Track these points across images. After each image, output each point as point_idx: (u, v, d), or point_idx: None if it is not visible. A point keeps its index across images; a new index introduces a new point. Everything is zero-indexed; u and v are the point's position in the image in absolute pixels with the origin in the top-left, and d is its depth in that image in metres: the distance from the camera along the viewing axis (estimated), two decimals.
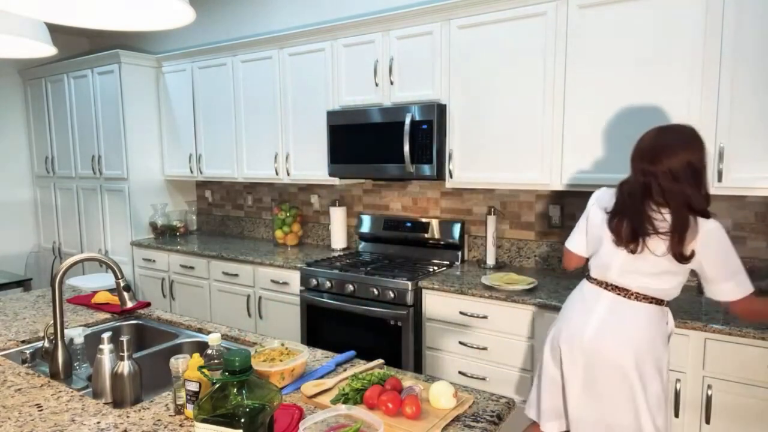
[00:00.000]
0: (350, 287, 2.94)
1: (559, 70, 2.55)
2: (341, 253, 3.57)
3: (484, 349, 2.57)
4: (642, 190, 1.71)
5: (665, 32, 2.30)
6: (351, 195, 3.77)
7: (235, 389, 1.01)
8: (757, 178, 2.17)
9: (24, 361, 1.77)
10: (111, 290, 2.36)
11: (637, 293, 1.75)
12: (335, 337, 3.03)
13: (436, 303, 2.71)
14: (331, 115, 3.25)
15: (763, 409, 1.97)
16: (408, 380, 1.46)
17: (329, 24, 3.29)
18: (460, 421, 1.27)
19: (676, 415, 2.13)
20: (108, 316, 2.20)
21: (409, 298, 2.73)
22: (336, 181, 3.41)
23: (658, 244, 1.69)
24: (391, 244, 3.47)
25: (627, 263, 1.75)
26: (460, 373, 2.65)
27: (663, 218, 1.68)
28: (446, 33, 2.86)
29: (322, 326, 3.09)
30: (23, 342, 1.91)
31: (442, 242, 3.26)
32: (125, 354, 1.44)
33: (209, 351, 1.38)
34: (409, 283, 2.73)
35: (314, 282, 3.09)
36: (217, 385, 1.02)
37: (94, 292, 2.45)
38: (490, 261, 3.04)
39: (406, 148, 2.89)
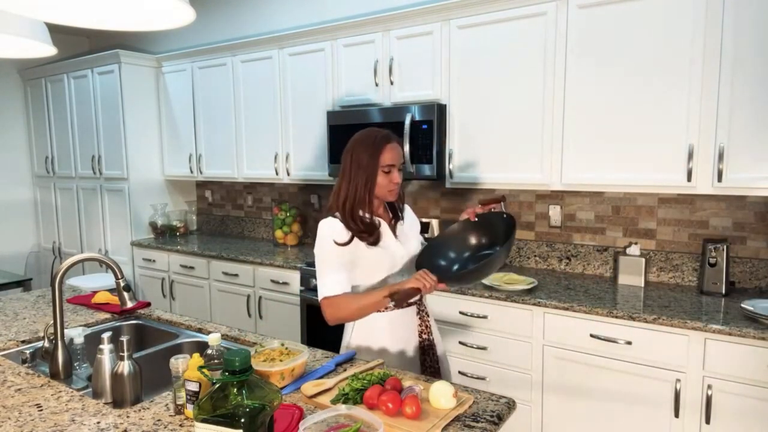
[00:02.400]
0: None
1: (559, 69, 2.55)
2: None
3: (484, 348, 2.57)
4: None
5: (665, 32, 2.30)
6: None
7: (235, 389, 1.01)
8: (757, 178, 2.17)
9: (24, 361, 1.77)
10: (111, 290, 2.36)
11: None
12: (335, 337, 3.03)
13: (436, 303, 2.71)
14: (331, 115, 3.24)
15: (763, 409, 1.97)
16: (408, 380, 1.46)
17: (329, 24, 3.29)
18: (460, 421, 1.27)
19: (676, 415, 2.13)
20: (108, 316, 2.20)
21: None
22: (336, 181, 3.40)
23: None
24: None
25: None
26: (460, 373, 2.65)
27: None
28: (446, 33, 2.86)
29: (323, 326, 3.09)
30: (23, 342, 1.91)
31: None
32: (125, 354, 1.44)
33: (209, 351, 1.38)
34: None
35: (314, 282, 3.09)
36: (217, 385, 1.02)
37: (94, 292, 2.45)
38: None
39: (406, 148, 2.89)
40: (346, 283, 1.68)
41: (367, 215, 1.72)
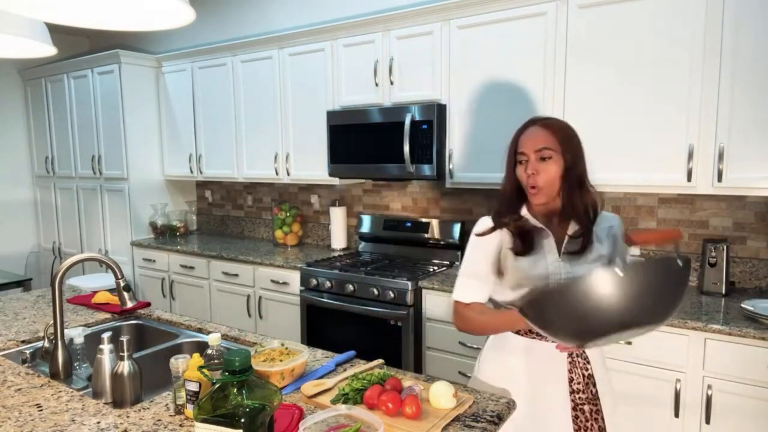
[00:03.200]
0: (350, 287, 2.94)
1: (559, 69, 2.55)
2: (341, 253, 3.57)
3: None
4: None
5: (665, 32, 2.30)
6: (351, 195, 3.77)
7: (235, 389, 1.01)
8: (757, 178, 2.16)
9: (24, 361, 1.77)
10: (111, 290, 2.35)
11: None
12: (335, 337, 3.03)
13: (437, 303, 2.71)
14: (331, 115, 3.24)
15: (763, 409, 1.97)
16: (408, 380, 1.46)
17: (329, 24, 3.29)
18: (460, 421, 1.27)
19: (676, 415, 2.13)
20: (108, 316, 2.20)
21: (409, 298, 2.73)
22: (336, 181, 3.41)
23: None
24: (391, 244, 3.47)
25: None
26: (460, 373, 2.65)
27: None
28: (446, 33, 2.86)
29: (322, 326, 3.09)
30: (23, 342, 1.91)
31: (442, 242, 3.25)
32: (125, 354, 1.44)
33: (209, 351, 1.38)
34: (409, 283, 2.73)
35: (314, 282, 3.09)
36: (217, 385, 1.02)
37: (94, 292, 2.45)
38: None
39: (406, 148, 2.89)
40: (478, 292, 1.46)
41: (525, 215, 1.45)
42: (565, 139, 1.40)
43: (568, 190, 1.40)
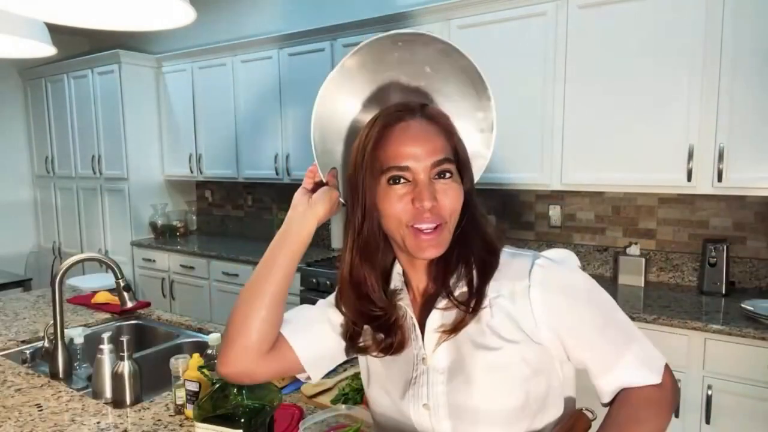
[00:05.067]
0: None
1: (559, 69, 2.55)
2: (341, 253, 3.56)
3: None
4: None
5: (665, 32, 2.30)
6: None
7: (235, 389, 1.01)
8: (757, 178, 2.16)
9: (24, 361, 1.77)
10: (111, 290, 2.36)
11: None
12: None
13: None
14: None
15: (763, 409, 1.97)
16: None
17: (329, 24, 3.29)
18: None
19: (677, 415, 2.13)
20: (108, 316, 2.20)
21: None
22: None
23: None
24: None
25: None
26: None
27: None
28: (446, 33, 2.86)
29: None
30: (23, 342, 1.91)
31: None
32: (125, 354, 1.44)
33: (209, 351, 1.38)
34: None
35: (314, 282, 3.09)
36: (217, 385, 1.02)
37: (94, 292, 2.45)
38: None
39: None
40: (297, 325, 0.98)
41: (398, 281, 0.90)
42: (459, 139, 0.87)
43: (466, 227, 0.85)
